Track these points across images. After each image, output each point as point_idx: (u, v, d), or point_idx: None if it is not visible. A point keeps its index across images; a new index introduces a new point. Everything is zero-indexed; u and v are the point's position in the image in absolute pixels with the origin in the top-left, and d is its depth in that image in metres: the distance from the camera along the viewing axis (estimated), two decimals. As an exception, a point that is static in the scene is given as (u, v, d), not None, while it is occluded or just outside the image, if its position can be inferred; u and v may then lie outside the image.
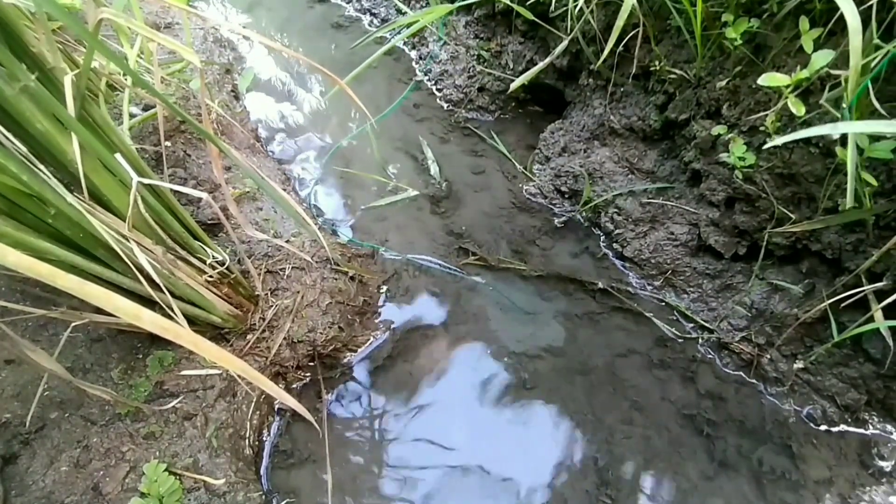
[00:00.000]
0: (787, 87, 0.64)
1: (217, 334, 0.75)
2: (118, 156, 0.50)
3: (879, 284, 0.67)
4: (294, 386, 0.81)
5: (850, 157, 0.57)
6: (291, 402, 0.42)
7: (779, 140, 0.52)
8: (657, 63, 0.88)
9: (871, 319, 0.68)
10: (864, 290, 0.68)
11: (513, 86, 1.01)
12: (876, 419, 0.76)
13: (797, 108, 0.63)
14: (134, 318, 0.32)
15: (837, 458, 0.74)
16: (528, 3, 1.00)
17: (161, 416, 0.68)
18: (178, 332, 0.34)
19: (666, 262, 0.91)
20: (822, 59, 0.61)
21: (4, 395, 0.68)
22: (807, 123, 0.69)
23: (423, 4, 1.38)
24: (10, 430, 0.65)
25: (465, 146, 1.18)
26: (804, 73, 0.62)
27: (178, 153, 0.91)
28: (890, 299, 0.64)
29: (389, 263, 0.96)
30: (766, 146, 0.72)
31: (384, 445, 0.76)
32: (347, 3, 1.60)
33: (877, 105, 0.57)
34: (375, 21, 1.50)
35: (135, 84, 0.74)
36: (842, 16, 0.57)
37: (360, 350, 0.85)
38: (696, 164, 0.86)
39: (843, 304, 0.70)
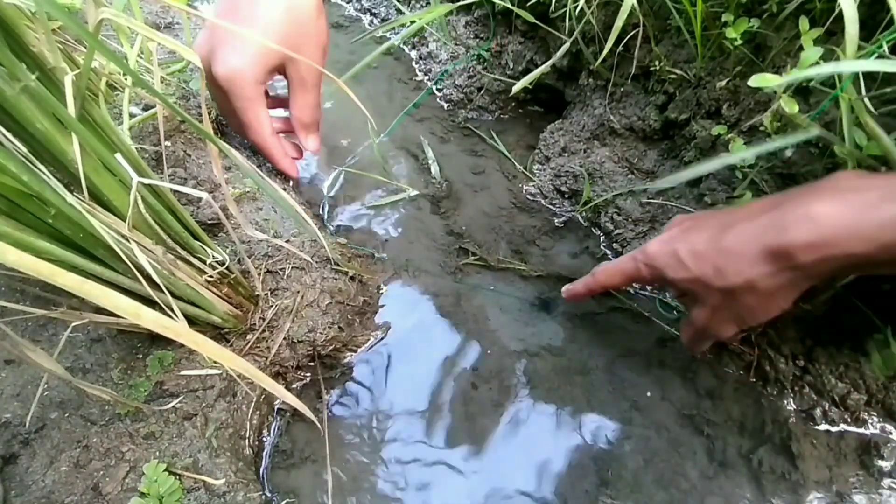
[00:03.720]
0: (780, 86, 0.64)
1: (217, 334, 0.75)
2: (118, 156, 0.50)
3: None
4: (294, 386, 0.81)
5: (844, 111, 0.57)
6: (293, 401, 0.42)
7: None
8: (657, 63, 0.88)
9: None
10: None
11: (514, 88, 1.01)
12: (876, 419, 0.76)
13: (790, 107, 0.63)
14: (135, 316, 0.32)
15: (837, 458, 0.74)
16: (529, 3, 1.00)
17: (161, 416, 0.68)
18: (179, 330, 0.34)
19: (666, 262, 0.91)
20: (812, 56, 0.61)
21: (4, 395, 0.68)
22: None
23: (424, 4, 1.38)
24: (9, 430, 0.65)
25: (465, 146, 1.18)
26: (794, 72, 0.62)
27: (178, 153, 0.91)
28: None
29: (389, 263, 0.96)
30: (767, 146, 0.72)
31: (384, 445, 0.76)
32: (347, 2, 1.60)
33: (868, 105, 0.57)
34: (376, 21, 1.50)
35: (135, 84, 0.74)
36: (841, 16, 0.57)
37: (360, 350, 0.85)
38: (697, 164, 0.86)
39: (842, 304, 0.70)
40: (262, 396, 0.76)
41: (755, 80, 0.63)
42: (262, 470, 0.73)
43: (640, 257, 0.67)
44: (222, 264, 0.67)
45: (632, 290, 0.93)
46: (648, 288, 0.93)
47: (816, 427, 0.77)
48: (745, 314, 0.60)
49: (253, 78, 0.73)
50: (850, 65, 0.53)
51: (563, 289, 0.86)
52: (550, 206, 1.07)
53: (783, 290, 0.55)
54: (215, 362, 0.72)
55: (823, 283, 0.56)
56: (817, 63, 0.61)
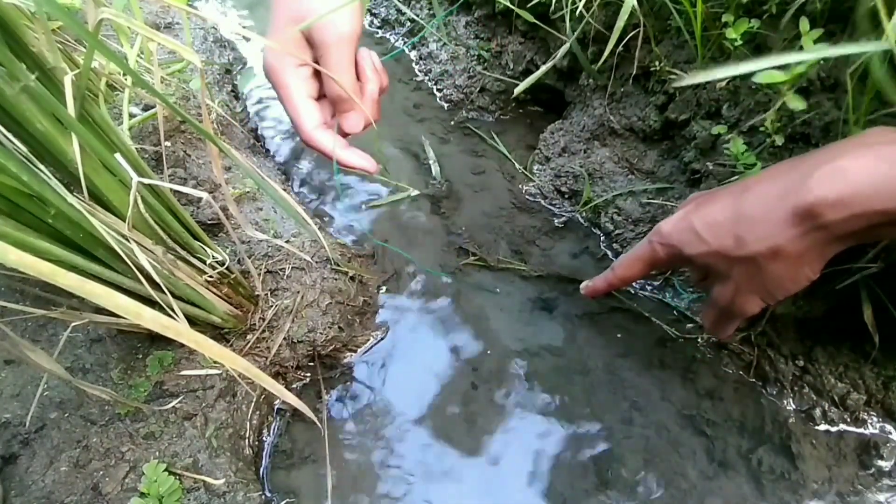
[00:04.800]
0: (785, 83, 0.64)
1: (217, 334, 0.75)
2: (118, 156, 0.50)
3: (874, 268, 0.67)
4: (294, 386, 0.81)
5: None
6: (293, 401, 0.42)
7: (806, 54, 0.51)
8: (657, 63, 0.88)
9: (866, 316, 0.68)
10: (857, 275, 0.68)
11: (516, 91, 1.01)
12: (875, 419, 0.76)
13: (796, 104, 0.63)
14: (136, 316, 0.32)
15: (837, 458, 0.74)
16: (530, 4, 1.00)
17: (161, 416, 0.68)
18: (180, 329, 0.34)
19: (666, 263, 0.91)
20: (818, 52, 0.61)
21: (4, 395, 0.68)
22: (806, 123, 0.69)
23: (425, 4, 1.38)
24: (9, 431, 0.65)
25: (465, 146, 1.18)
26: (800, 69, 0.62)
27: (177, 153, 0.91)
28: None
29: (389, 263, 0.96)
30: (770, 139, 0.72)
31: (384, 445, 0.76)
32: (347, 3, 1.60)
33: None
34: (376, 21, 1.50)
35: (135, 84, 0.74)
36: (840, 16, 0.57)
37: (359, 350, 0.85)
38: (697, 164, 0.86)
39: (843, 304, 0.70)
40: (262, 396, 0.76)
41: (762, 77, 0.63)
42: (261, 470, 0.73)
43: (655, 238, 0.63)
44: (222, 264, 0.67)
45: (632, 290, 0.93)
46: (649, 287, 0.93)
47: (816, 427, 0.77)
48: (770, 286, 0.55)
49: (273, 62, 0.64)
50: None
51: (582, 285, 0.78)
52: (550, 207, 1.07)
53: (810, 254, 0.51)
54: (215, 362, 0.72)
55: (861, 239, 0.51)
56: (818, 63, 0.61)
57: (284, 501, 0.70)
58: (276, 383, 0.41)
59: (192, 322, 0.67)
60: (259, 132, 1.21)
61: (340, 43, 0.63)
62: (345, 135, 0.70)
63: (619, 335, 0.88)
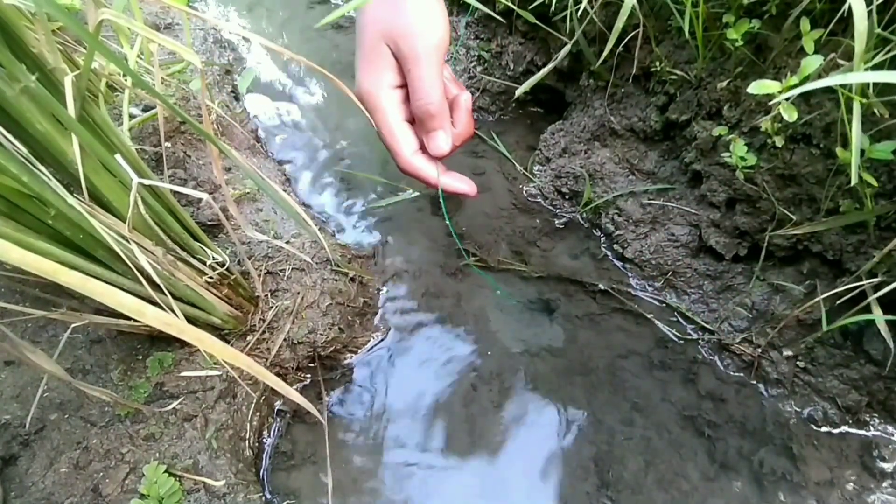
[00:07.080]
0: (780, 92, 0.64)
1: (217, 336, 0.75)
2: (118, 157, 0.50)
3: (875, 280, 0.67)
4: (294, 387, 0.81)
5: (855, 118, 0.55)
6: (297, 398, 0.42)
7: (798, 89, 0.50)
8: (658, 64, 0.88)
9: (870, 318, 0.67)
10: (861, 285, 0.68)
11: (517, 92, 1.00)
12: (877, 420, 0.76)
13: (789, 114, 0.63)
14: (138, 314, 0.32)
15: (839, 459, 0.74)
16: (532, 6, 1.00)
17: (161, 418, 0.68)
18: (182, 327, 0.34)
19: (666, 264, 0.91)
20: (812, 63, 0.61)
21: (4, 396, 0.68)
22: (807, 124, 0.69)
23: (424, 5, 1.38)
24: (9, 432, 0.65)
25: (466, 146, 1.18)
26: (793, 80, 0.62)
27: (178, 154, 0.91)
28: (882, 292, 0.64)
29: (390, 264, 0.96)
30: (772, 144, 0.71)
31: (384, 447, 0.76)
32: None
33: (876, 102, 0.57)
34: (375, 22, 1.50)
35: (135, 85, 0.74)
36: (842, 16, 0.57)
37: (360, 351, 0.85)
38: (697, 164, 0.86)
39: (845, 306, 0.70)
40: (263, 398, 0.76)
41: (755, 87, 0.63)
42: (262, 471, 0.73)
43: None
44: (222, 265, 0.67)
45: (632, 292, 0.93)
46: (650, 288, 0.93)
47: (818, 428, 0.77)
48: None
49: (367, 86, 0.61)
50: (858, 76, 0.49)
51: None
52: (551, 207, 1.07)
53: None
54: (216, 363, 0.72)
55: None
56: (819, 68, 0.61)
57: (285, 502, 0.70)
58: (279, 380, 0.41)
59: (192, 323, 0.67)
60: (259, 133, 1.21)
61: (429, 54, 0.59)
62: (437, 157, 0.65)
63: (619, 336, 0.88)
